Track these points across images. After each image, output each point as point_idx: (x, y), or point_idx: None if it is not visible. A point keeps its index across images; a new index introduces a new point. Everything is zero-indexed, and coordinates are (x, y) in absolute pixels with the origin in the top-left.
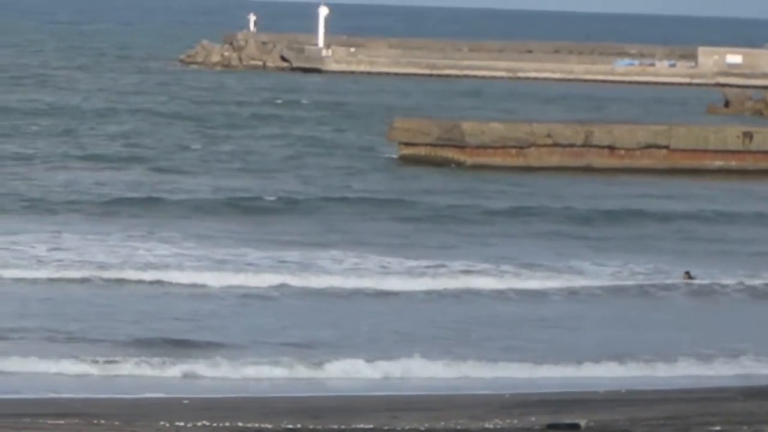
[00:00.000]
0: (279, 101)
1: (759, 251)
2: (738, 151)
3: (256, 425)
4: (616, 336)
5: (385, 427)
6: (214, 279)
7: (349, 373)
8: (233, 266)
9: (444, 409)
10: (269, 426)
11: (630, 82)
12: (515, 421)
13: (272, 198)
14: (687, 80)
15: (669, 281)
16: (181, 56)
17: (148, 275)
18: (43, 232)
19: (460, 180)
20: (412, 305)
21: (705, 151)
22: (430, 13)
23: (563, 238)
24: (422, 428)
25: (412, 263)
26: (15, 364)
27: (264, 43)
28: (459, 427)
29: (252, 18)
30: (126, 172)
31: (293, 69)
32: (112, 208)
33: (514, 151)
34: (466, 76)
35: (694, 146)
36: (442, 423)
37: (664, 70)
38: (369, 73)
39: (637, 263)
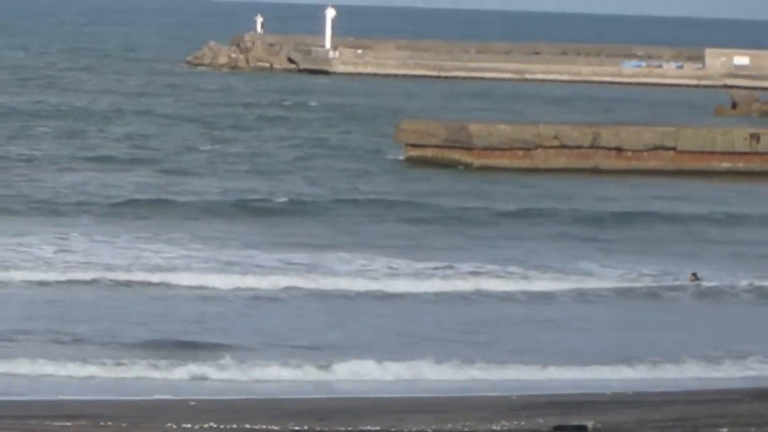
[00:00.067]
0: (286, 103)
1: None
2: (745, 153)
3: (263, 427)
4: (624, 338)
5: (392, 429)
6: (221, 281)
7: (356, 374)
8: (241, 268)
9: (451, 410)
10: (276, 428)
11: (637, 84)
12: (523, 423)
13: (281, 200)
14: (694, 82)
15: (677, 283)
16: (188, 58)
17: (156, 277)
18: (50, 233)
19: (468, 181)
20: (420, 307)
21: (712, 152)
22: (438, 14)
23: (571, 239)
24: (429, 430)
25: (419, 265)
26: (22, 366)
27: (271, 45)
28: (466, 429)
29: (259, 19)
30: (133, 174)
31: (300, 71)
32: (120, 210)
33: (521, 152)
34: (474, 78)
35: (701, 148)
36: (449, 425)
37: (671, 71)
38: (376, 75)
39: (645, 265)
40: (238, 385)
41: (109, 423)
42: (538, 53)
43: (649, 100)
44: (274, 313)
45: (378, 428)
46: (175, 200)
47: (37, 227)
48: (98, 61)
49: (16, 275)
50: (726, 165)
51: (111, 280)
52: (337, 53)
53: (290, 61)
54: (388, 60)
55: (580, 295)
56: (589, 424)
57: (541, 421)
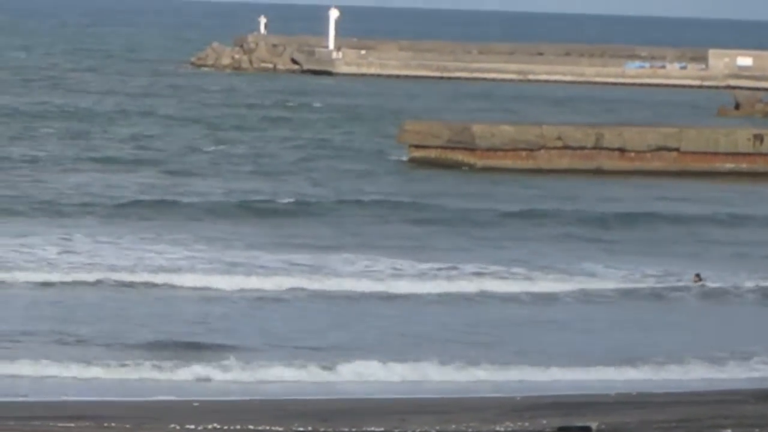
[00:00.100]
0: (289, 104)
1: None
2: (749, 154)
3: (267, 428)
4: (628, 338)
5: (396, 430)
6: (225, 282)
7: (360, 375)
8: (245, 269)
9: (455, 411)
10: (280, 428)
11: (640, 85)
12: (526, 424)
13: (287, 201)
14: (697, 83)
15: (680, 284)
16: (192, 59)
17: (160, 278)
18: (53, 234)
19: (471, 182)
20: (424, 308)
21: (715, 153)
22: (439, 15)
23: (575, 240)
24: (433, 431)
25: (423, 266)
26: (25, 367)
27: (274, 46)
28: (470, 430)
29: (262, 20)
30: (137, 175)
31: (304, 71)
32: (123, 211)
33: (524, 153)
34: (476, 79)
35: (704, 149)
36: (453, 426)
37: (674, 72)
38: (379, 76)
39: (649, 266)
40: (241, 385)
41: (113, 424)
42: (541, 54)
43: (652, 101)
44: (277, 314)
45: (382, 429)
46: (179, 201)
47: (40, 228)
48: (101, 62)
49: (20, 276)
50: (729, 166)
51: (115, 281)
52: (340, 54)
53: (293, 61)
54: (391, 61)
55: (584, 296)
56: (593, 425)
57: (544, 422)
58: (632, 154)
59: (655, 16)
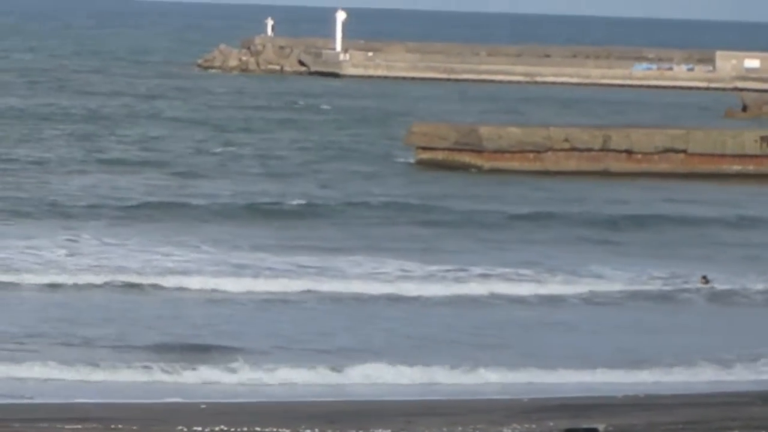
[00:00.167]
0: (297, 106)
1: None
2: (756, 156)
3: (274, 430)
4: (635, 340)
5: None
6: (233, 284)
7: (367, 377)
8: (252, 271)
9: (462, 414)
10: (287, 431)
11: (648, 87)
12: (533, 426)
13: (296, 202)
14: (705, 84)
15: (687, 286)
16: (199, 61)
17: (167, 280)
18: (61, 236)
19: (478, 184)
20: (431, 310)
21: (723, 155)
22: (448, 17)
23: (582, 242)
24: None
25: (431, 268)
26: (33, 369)
27: (282, 48)
28: None
29: (270, 22)
30: (144, 177)
31: (311, 73)
32: (131, 213)
33: (531, 155)
34: (484, 81)
35: (711, 150)
36: (460, 428)
37: (682, 74)
38: (386, 78)
39: (656, 268)
40: (249, 388)
41: (120, 426)
42: (548, 56)
43: (659, 103)
44: (285, 316)
45: (389, 431)
46: (187, 203)
47: (48, 230)
48: (108, 64)
49: (28, 278)
50: (736, 168)
51: (122, 283)
52: (347, 56)
53: (301, 63)
54: (398, 62)
55: (591, 298)
56: (600, 427)
57: (551, 424)
58: (639, 156)
59: (662, 18)
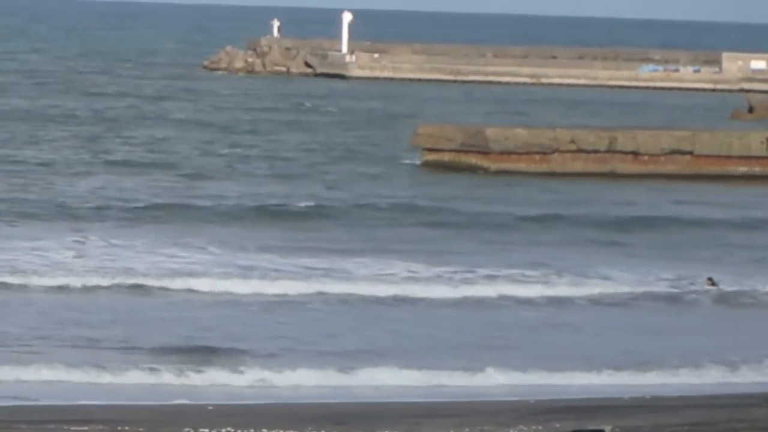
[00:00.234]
0: (303, 107)
1: None
2: (762, 157)
3: None
4: (642, 342)
5: None
6: (240, 285)
7: (374, 379)
8: (259, 273)
9: (469, 415)
10: None
11: (654, 88)
12: (540, 428)
13: (304, 204)
14: (711, 86)
15: (694, 287)
16: (205, 62)
17: (174, 282)
18: (68, 238)
19: (485, 186)
20: (438, 311)
21: (729, 156)
22: (454, 18)
23: (589, 244)
24: None
25: (438, 269)
26: (39, 371)
27: (288, 49)
28: None
29: (276, 24)
30: (151, 178)
31: (317, 75)
32: (138, 215)
33: (537, 156)
34: (490, 82)
35: (718, 152)
36: (467, 429)
37: (688, 75)
38: (393, 79)
39: (663, 269)
40: (256, 389)
41: (127, 428)
42: (554, 57)
43: (665, 104)
44: (292, 318)
45: None
46: (194, 204)
47: (55, 232)
48: (114, 65)
49: (34, 280)
50: (743, 169)
51: (129, 285)
52: (353, 57)
53: (307, 65)
54: (404, 64)
55: (598, 300)
56: (607, 428)
57: (558, 425)
58: (646, 158)
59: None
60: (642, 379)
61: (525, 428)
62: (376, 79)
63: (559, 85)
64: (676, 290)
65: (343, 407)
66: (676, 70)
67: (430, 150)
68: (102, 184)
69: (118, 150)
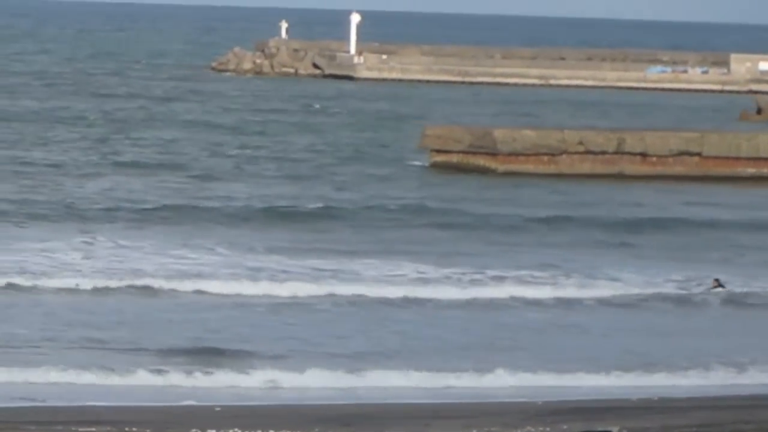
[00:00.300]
0: (311, 109)
1: None
2: None
3: None
4: (650, 343)
5: None
6: (249, 287)
7: (382, 381)
8: (268, 274)
9: (476, 416)
10: None
11: (662, 89)
12: (548, 429)
13: (313, 206)
14: (719, 87)
15: (701, 289)
16: (213, 64)
17: (183, 284)
18: (77, 239)
19: (493, 187)
20: (447, 313)
21: (737, 158)
22: (462, 20)
23: (597, 245)
24: None
25: (447, 271)
26: (48, 372)
27: (296, 51)
28: None
29: (284, 25)
30: (160, 180)
31: (325, 76)
32: (147, 216)
33: (546, 158)
34: (498, 83)
35: (726, 153)
36: (475, 431)
37: (696, 77)
38: (401, 81)
39: (672, 271)
40: (263, 391)
41: (134, 429)
42: (562, 59)
43: (673, 106)
44: (300, 320)
45: None
46: (203, 206)
47: (64, 233)
48: (123, 67)
49: (43, 282)
50: (751, 170)
51: (138, 287)
52: (361, 59)
53: (315, 66)
54: (412, 65)
55: (607, 301)
56: (615, 429)
57: (565, 427)
58: (654, 159)
59: (676, 21)
60: (650, 380)
61: (533, 429)
62: (384, 80)
63: (568, 86)
64: (684, 292)
65: (350, 408)
66: (685, 72)
67: (438, 151)
68: (111, 186)
69: (127, 151)
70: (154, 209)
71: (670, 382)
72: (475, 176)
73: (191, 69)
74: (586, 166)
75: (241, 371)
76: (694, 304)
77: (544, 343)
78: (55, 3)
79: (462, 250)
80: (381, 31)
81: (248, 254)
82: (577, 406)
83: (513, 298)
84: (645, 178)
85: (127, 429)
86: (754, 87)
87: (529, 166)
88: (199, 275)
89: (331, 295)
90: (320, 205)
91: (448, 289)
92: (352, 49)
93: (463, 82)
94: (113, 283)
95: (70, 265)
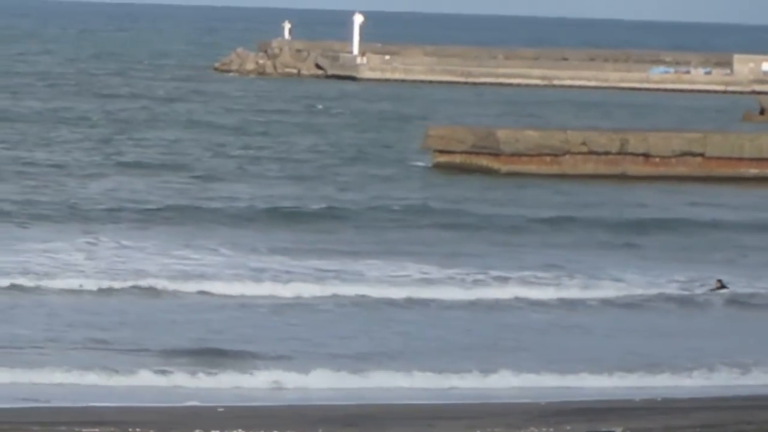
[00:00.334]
0: (314, 109)
1: None
2: None
3: None
4: (653, 344)
5: None
6: (252, 288)
7: (385, 381)
8: (271, 275)
9: (480, 417)
10: None
11: (665, 90)
12: (551, 430)
13: (317, 206)
14: (722, 88)
15: (704, 289)
16: (216, 64)
17: (186, 284)
18: (79, 240)
19: (496, 188)
20: (450, 313)
21: (740, 158)
22: (464, 20)
23: (600, 246)
24: None
25: (450, 271)
26: (51, 373)
27: (299, 51)
28: None
29: (287, 26)
30: (163, 180)
31: (328, 77)
32: (150, 216)
33: (549, 158)
34: (501, 84)
35: (729, 154)
36: (478, 431)
37: (699, 77)
38: (404, 81)
39: (675, 271)
40: (266, 391)
41: (138, 429)
42: (565, 59)
43: (676, 106)
44: (303, 320)
45: None
46: (206, 206)
47: (67, 233)
48: (126, 67)
49: (46, 282)
50: (754, 171)
51: (140, 287)
52: (364, 59)
53: (318, 67)
54: (415, 66)
55: (610, 302)
56: (618, 430)
57: (569, 427)
58: (657, 160)
59: (679, 21)
60: (653, 381)
61: (536, 430)
62: (387, 80)
63: (570, 86)
64: (687, 292)
65: (354, 409)
66: (687, 72)
67: (441, 152)
68: (114, 186)
69: (129, 152)
70: (157, 210)
71: (674, 382)
72: (478, 177)
73: (194, 69)
74: (589, 167)
75: (245, 372)
76: (698, 305)
77: (548, 343)
78: (55, 3)
79: (465, 250)
80: (384, 31)
81: (251, 255)
82: (580, 407)
83: (516, 299)
84: (648, 178)
85: (130, 429)
86: (757, 88)
87: (532, 167)
88: (202, 276)
89: (335, 296)
90: (323, 205)
91: (451, 290)
92: (355, 50)
93: (466, 83)
94: (116, 284)
95: (73, 265)
